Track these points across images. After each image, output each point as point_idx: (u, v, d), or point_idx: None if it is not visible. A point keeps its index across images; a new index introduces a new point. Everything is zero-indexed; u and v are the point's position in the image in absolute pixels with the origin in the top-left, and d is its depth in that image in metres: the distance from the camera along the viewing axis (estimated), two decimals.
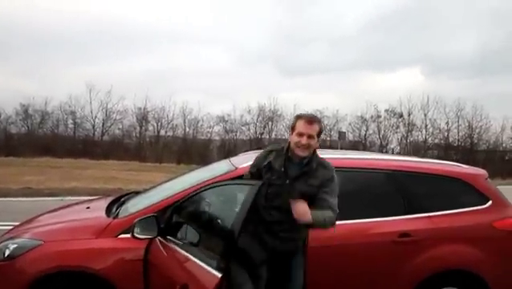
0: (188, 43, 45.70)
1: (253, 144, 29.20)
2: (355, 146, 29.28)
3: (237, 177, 3.02)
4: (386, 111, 31.12)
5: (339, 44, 43.40)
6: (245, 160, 3.26)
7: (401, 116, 30.97)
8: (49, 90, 42.89)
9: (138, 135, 31.78)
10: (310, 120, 2.51)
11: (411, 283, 2.98)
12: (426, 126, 30.79)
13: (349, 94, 40.83)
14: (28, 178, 13.47)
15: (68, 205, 3.88)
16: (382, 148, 30.09)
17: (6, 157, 22.98)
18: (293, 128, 2.54)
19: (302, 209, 2.39)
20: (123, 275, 2.71)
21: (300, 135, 2.48)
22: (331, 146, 27.51)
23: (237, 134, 31.68)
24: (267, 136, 31.33)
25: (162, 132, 31.47)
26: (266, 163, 2.57)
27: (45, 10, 40.97)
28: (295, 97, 47.88)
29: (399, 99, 31.69)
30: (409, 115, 30.79)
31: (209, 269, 2.24)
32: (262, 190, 2.44)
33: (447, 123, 30.46)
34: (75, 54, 40.28)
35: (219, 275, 2.17)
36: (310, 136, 2.47)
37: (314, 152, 2.55)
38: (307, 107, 33.96)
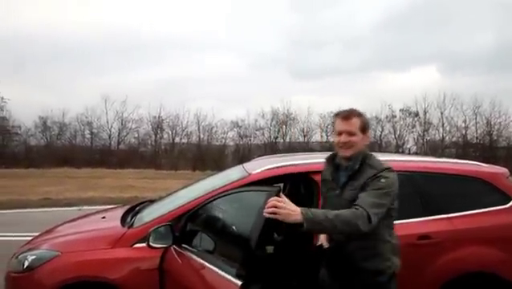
0: (201, 50, 46.19)
1: (268, 148, 29.20)
2: (371, 147, 28.88)
3: (251, 183, 3.01)
4: (401, 110, 30.77)
5: (352, 45, 43.23)
6: (258, 166, 3.24)
7: (417, 114, 30.58)
8: (66, 102, 43.61)
9: (153, 143, 32.15)
10: (347, 114, 2.22)
11: (432, 287, 2.90)
12: (443, 124, 30.31)
13: (364, 95, 40.48)
14: (47, 189, 13.73)
15: (84, 216, 3.92)
16: (398, 148, 29.70)
17: (27, 169, 23.48)
18: (334, 130, 2.30)
19: (281, 206, 1.90)
20: (139, 285, 2.72)
21: (339, 134, 2.21)
22: None
23: (252, 139, 31.76)
24: (282, 140, 31.30)
25: (177, 140, 31.80)
26: (322, 177, 2.35)
27: (60, 22, 41.95)
28: (309, 100, 47.74)
29: (414, 98, 31.20)
30: (425, 113, 30.38)
31: (228, 277, 2.18)
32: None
33: (464, 120, 29.92)
34: (90, 65, 41.21)
35: (239, 283, 2.10)
36: (349, 133, 2.18)
37: (366, 153, 2.23)
38: (321, 110, 33.90)
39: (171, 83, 40.75)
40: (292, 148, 29.67)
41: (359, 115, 2.24)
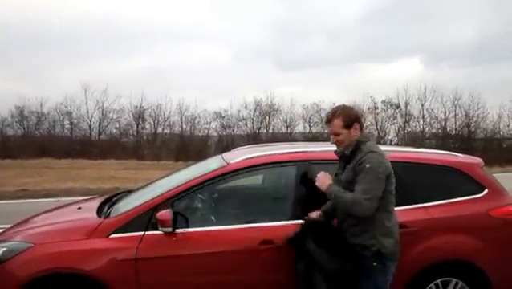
0: (184, 40, 45.57)
1: (251, 139, 29.11)
2: None
3: (229, 173, 2.99)
4: (383, 102, 31.11)
5: (337, 36, 43.32)
6: (237, 156, 3.22)
7: (398, 106, 30.97)
8: (44, 91, 42.77)
9: (135, 133, 31.69)
10: (329, 118, 2.61)
11: (408, 275, 2.94)
12: (423, 116, 30.80)
13: (347, 86, 40.80)
14: (25, 180, 13.40)
15: (60, 207, 3.83)
16: (380, 140, 30.02)
17: (3, 160, 22.87)
18: None
19: (322, 178, 2.58)
20: (115, 276, 2.67)
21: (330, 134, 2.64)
22: (329, 138, 27.44)
23: (235, 129, 31.56)
24: (265, 131, 31.30)
25: (159, 130, 31.39)
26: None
27: (37, 10, 40.67)
28: (292, 91, 47.84)
29: (396, 90, 31.57)
30: (406, 105, 30.79)
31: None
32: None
33: (444, 112, 30.48)
34: (70, 53, 40.06)
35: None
36: (335, 134, 2.58)
37: (360, 140, 2.59)
38: (304, 101, 33.96)
39: (153, 73, 40.09)
40: (275, 138, 29.68)
41: (339, 115, 2.56)
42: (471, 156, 3.63)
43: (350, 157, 2.56)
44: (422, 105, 30.54)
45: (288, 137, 29.49)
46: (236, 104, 32.94)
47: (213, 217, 3.03)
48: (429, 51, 41.04)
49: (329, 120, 2.59)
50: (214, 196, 3.16)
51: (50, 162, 22.40)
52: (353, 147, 2.56)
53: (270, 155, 3.16)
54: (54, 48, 39.75)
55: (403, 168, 3.17)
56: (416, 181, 3.18)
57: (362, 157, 2.48)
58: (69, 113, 30.54)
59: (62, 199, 9.80)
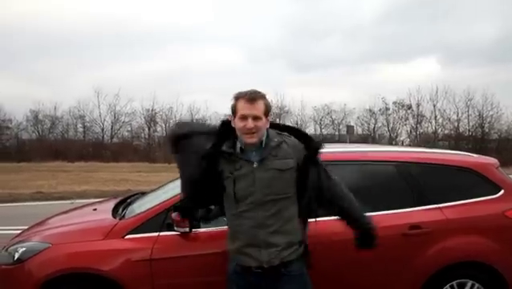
0: (196, 42, 46.00)
1: None
2: (364, 140, 29.09)
3: None
4: (394, 103, 30.91)
5: (352, 36, 43.22)
6: None
7: (410, 107, 30.74)
8: (58, 95, 43.38)
9: (147, 136, 32.02)
10: (252, 97, 2.08)
11: (422, 276, 2.92)
12: (436, 117, 30.51)
13: (360, 87, 40.65)
14: (40, 183, 13.65)
15: (76, 208, 3.90)
16: (391, 141, 29.86)
17: (19, 163, 23.28)
18: (234, 112, 2.12)
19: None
20: (130, 276, 2.70)
21: (243, 118, 2.07)
22: (340, 140, 27.37)
23: None
24: None
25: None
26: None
27: (53, 14, 41.40)
28: (304, 92, 47.73)
29: (408, 91, 31.33)
30: (418, 106, 30.54)
31: None
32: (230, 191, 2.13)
33: (457, 113, 30.14)
34: (83, 58, 40.91)
35: None
36: (255, 118, 2.06)
37: (268, 130, 2.16)
38: (315, 103, 33.92)
39: (165, 76, 40.66)
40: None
41: (263, 97, 2.13)
42: (486, 157, 3.60)
43: (270, 150, 2.12)
44: (434, 106, 30.31)
45: None
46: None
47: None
48: (447, 51, 40.65)
49: (253, 99, 2.08)
50: None
51: (63, 165, 22.79)
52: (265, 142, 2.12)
53: None
54: (68, 53, 40.67)
55: (417, 168, 3.17)
56: (430, 182, 3.15)
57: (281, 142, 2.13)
58: (82, 117, 31.13)
59: (77, 201, 9.94)
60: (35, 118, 30.53)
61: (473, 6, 41.50)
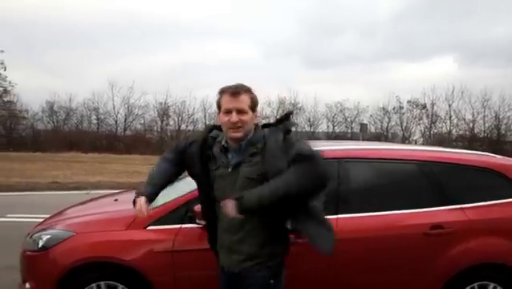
0: (210, 37, 45.95)
1: None
2: (378, 138, 28.86)
3: None
4: (408, 102, 30.57)
5: (367, 34, 42.71)
6: None
7: (424, 107, 30.37)
8: (73, 86, 43.82)
9: (159, 129, 32.20)
10: (236, 90, 2.01)
11: (444, 277, 2.90)
12: (450, 117, 30.10)
13: (374, 85, 40.23)
14: (55, 173, 13.86)
15: (97, 198, 3.95)
16: (405, 140, 29.56)
17: (34, 153, 23.65)
18: (219, 107, 2.06)
19: (227, 205, 1.90)
20: (153, 266, 2.74)
21: (227, 112, 2.00)
22: (353, 138, 27.20)
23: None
24: None
25: (183, 127, 31.82)
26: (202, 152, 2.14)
27: (69, 7, 41.78)
28: (317, 89, 47.44)
29: (423, 90, 30.97)
30: (433, 106, 30.16)
31: None
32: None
33: (472, 113, 29.69)
34: (98, 50, 41.17)
35: None
36: (239, 111, 1.99)
37: (256, 128, 2.07)
38: (328, 100, 33.73)
39: (178, 70, 40.77)
40: (298, 137, 29.55)
41: (248, 90, 2.05)
42: (509, 158, 3.54)
43: (253, 149, 2.01)
44: (449, 106, 29.88)
45: (311, 136, 29.36)
46: (260, 102, 33.06)
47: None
48: (464, 50, 39.95)
49: (237, 93, 2.00)
50: None
51: (78, 156, 23.06)
52: (250, 138, 2.03)
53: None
54: (84, 45, 41.09)
55: (440, 168, 3.14)
56: (452, 182, 3.13)
57: (276, 136, 1.98)
58: (96, 109, 31.40)
59: (92, 192, 10.09)
60: (51, 109, 30.94)
61: (492, 6, 40.73)
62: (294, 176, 1.88)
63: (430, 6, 41.91)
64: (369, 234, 2.94)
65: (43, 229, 3.06)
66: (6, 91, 28.28)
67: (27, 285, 2.90)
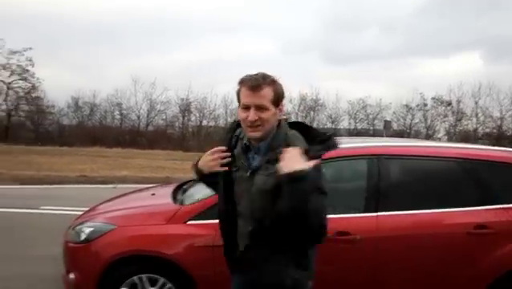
0: (231, 33, 45.94)
1: None
2: (400, 135, 28.38)
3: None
4: (433, 99, 29.93)
5: (389, 29, 41.85)
6: None
7: (450, 104, 29.66)
8: (97, 83, 44.66)
9: (181, 125, 32.51)
10: (256, 83, 1.69)
11: (487, 278, 2.83)
12: (477, 114, 29.32)
13: (397, 82, 39.51)
14: (81, 167, 14.16)
15: (133, 192, 4.02)
16: (428, 138, 28.96)
17: (61, 147, 24.24)
18: (239, 100, 1.76)
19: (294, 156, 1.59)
20: (194, 261, 2.77)
21: (246, 108, 1.72)
22: (375, 135, 26.84)
23: None
24: None
25: (204, 123, 32.04)
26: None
27: (93, 5, 42.51)
28: (338, 85, 46.95)
29: (448, 87, 30.26)
30: (458, 103, 29.43)
31: None
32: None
33: (500, 111, 28.83)
34: (121, 47, 41.73)
35: None
36: (259, 108, 1.69)
37: (279, 127, 1.77)
38: (350, 96, 33.35)
39: (200, 66, 40.94)
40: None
41: (271, 82, 1.73)
42: None
43: (271, 153, 1.71)
44: (476, 103, 29.10)
45: (332, 133, 29.09)
46: None
47: None
48: (491, 46, 38.73)
49: (257, 87, 1.69)
50: None
51: (102, 151, 23.50)
52: (271, 138, 1.74)
53: (344, 148, 3.13)
54: (108, 42, 41.63)
55: (483, 166, 3.05)
56: (496, 181, 3.04)
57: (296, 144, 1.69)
58: (119, 104, 31.89)
59: (119, 186, 10.28)
60: (75, 105, 31.65)
61: None
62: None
63: (452, 0, 40.67)
64: (410, 232, 2.89)
65: (85, 222, 3.13)
66: (34, 88, 29.13)
67: (71, 275, 2.97)
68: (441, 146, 3.47)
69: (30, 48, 27.86)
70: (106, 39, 42.24)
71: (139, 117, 32.02)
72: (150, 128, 32.55)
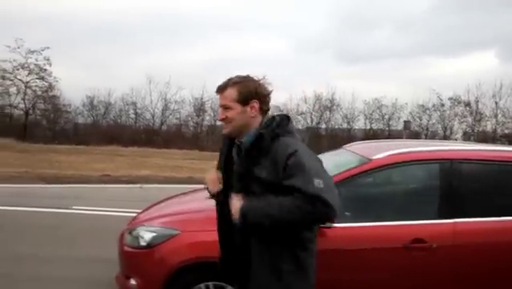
0: (246, 31, 45.64)
1: (310, 133, 28.81)
2: (417, 136, 28.02)
3: (373, 169, 2.88)
4: (450, 99, 29.47)
5: (404, 28, 41.24)
6: (375, 151, 3.07)
7: (468, 104, 29.18)
8: (112, 82, 44.92)
9: (195, 124, 32.51)
10: (220, 86, 1.90)
11: None
12: (496, 115, 28.81)
13: (412, 81, 39.02)
14: (101, 166, 14.14)
15: (185, 193, 3.90)
16: (446, 139, 28.55)
17: (77, 146, 24.37)
18: None
19: (234, 205, 1.81)
20: None
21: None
22: (391, 136, 26.51)
23: (294, 123, 31.38)
24: (324, 126, 30.84)
25: (218, 122, 31.93)
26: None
27: (107, 3, 42.75)
28: (353, 85, 46.56)
29: (466, 87, 29.74)
30: (477, 103, 28.95)
31: None
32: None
33: None
34: (136, 46, 41.84)
35: None
36: (225, 107, 1.88)
37: (261, 124, 1.89)
38: (366, 96, 33.00)
39: (215, 65, 40.80)
40: (334, 134, 29.19)
41: (236, 83, 1.87)
42: None
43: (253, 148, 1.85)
44: (496, 103, 28.58)
45: (348, 133, 28.88)
46: (295, 98, 32.79)
47: (347, 213, 2.93)
48: (507, 44, 38.02)
49: (222, 89, 1.90)
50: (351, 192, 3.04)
51: (118, 149, 23.53)
52: (253, 135, 1.88)
53: (415, 152, 3.00)
54: (123, 41, 41.72)
55: None
56: None
57: (289, 148, 1.82)
58: (134, 103, 31.96)
59: (145, 186, 10.24)
60: (91, 104, 31.79)
61: None
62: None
63: None
64: (489, 240, 2.76)
65: (143, 226, 3.02)
66: (50, 87, 29.32)
67: (132, 281, 2.87)
68: (500, 150, 3.35)
69: (48, 47, 28.06)
70: (120, 39, 42.37)
71: (153, 116, 32.11)
72: (164, 127, 32.61)
